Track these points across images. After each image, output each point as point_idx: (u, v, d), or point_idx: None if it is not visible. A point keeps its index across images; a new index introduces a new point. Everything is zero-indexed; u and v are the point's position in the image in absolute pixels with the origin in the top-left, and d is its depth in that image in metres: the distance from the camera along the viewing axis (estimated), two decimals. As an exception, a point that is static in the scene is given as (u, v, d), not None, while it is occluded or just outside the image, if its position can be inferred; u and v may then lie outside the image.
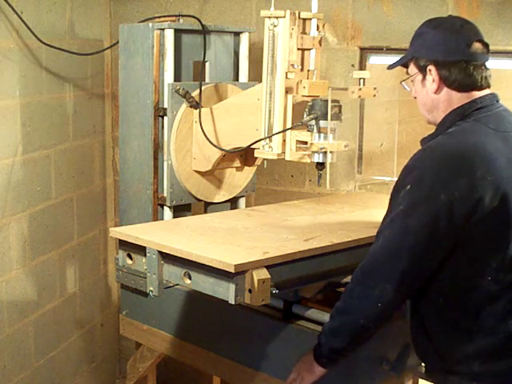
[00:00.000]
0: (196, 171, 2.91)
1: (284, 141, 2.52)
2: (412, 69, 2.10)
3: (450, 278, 1.97)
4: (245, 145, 2.66)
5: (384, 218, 2.02)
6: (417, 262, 1.92)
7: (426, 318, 2.05)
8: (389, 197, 2.04)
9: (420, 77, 2.07)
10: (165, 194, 2.89)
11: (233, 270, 2.04)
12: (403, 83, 2.16)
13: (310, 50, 2.53)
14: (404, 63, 2.14)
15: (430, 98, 2.06)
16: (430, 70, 2.03)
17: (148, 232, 2.42)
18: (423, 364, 2.26)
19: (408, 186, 1.93)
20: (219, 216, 2.72)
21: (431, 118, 2.11)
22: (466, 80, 2.01)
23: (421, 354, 2.14)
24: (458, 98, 2.03)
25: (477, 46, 2.01)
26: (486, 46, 2.04)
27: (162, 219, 2.91)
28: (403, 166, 2.01)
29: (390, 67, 2.21)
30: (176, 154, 2.84)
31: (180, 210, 2.95)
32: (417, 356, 2.17)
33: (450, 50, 2.01)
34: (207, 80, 3.00)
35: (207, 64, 2.99)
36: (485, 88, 2.04)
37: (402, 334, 2.37)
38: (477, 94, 2.03)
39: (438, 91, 2.04)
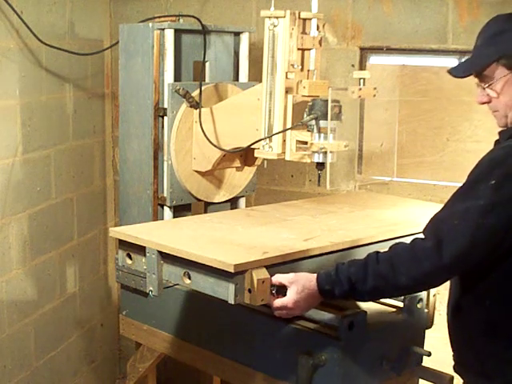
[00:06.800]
0: (196, 171, 2.91)
1: (284, 141, 2.51)
2: (501, 70, 1.93)
3: (501, 279, 1.90)
4: (245, 145, 2.66)
5: (457, 193, 1.91)
6: (479, 252, 1.84)
7: (469, 319, 1.99)
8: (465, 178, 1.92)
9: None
10: (165, 194, 2.89)
11: (232, 270, 2.04)
12: (487, 89, 1.96)
13: (310, 49, 2.53)
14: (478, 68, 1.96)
15: None
16: None
17: (148, 232, 2.42)
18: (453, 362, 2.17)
19: (492, 181, 1.81)
20: (219, 216, 2.71)
21: None
22: None
23: (458, 352, 2.09)
24: None
25: None
26: None
27: (162, 219, 2.91)
28: (489, 156, 1.89)
29: (462, 74, 2.01)
30: (176, 154, 2.84)
31: (180, 210, 2.95)
32: (453, 353, 2.13)
33: None
34: (207, 80, 3.00)
35: (207, 64, 2.99)
36: None
37: (402, 333, 2.37)
38: None
39: None
